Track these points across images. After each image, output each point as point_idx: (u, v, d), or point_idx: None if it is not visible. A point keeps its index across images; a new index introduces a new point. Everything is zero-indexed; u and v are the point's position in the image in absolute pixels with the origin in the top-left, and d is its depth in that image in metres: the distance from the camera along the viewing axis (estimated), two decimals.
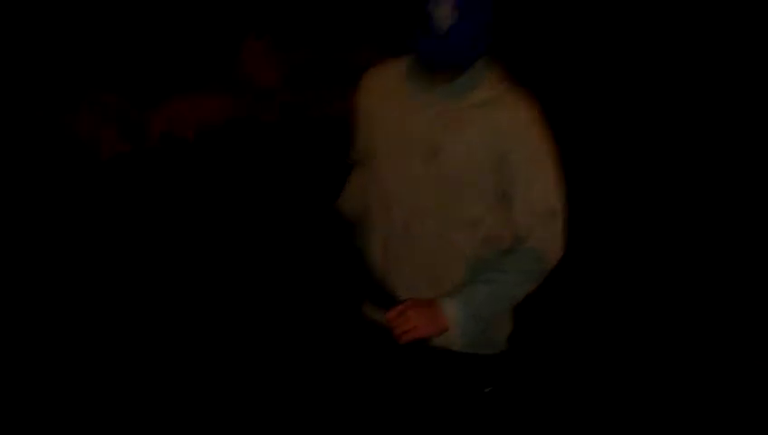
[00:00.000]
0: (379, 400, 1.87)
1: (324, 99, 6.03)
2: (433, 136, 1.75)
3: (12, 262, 3.98)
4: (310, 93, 6.23)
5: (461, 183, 1.74)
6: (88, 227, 4.52)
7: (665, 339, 3.63)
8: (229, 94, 6.04)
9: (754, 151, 5.62)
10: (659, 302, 4.01)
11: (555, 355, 3.43)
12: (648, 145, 5.88)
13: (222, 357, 3.37)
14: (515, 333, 1.86)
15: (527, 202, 1.72)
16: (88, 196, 4.87)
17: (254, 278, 4.06)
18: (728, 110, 6.14)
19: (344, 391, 2.00)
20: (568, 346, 3.55)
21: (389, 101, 1.84)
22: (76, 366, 3.25)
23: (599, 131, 5.89)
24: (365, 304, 1.95)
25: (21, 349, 3.28)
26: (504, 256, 1.71)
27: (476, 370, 1.75)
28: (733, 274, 4.32)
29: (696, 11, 6.67)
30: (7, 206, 4.45)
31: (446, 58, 1.67)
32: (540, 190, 1.72)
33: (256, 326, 3.63)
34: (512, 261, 1.69)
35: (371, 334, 1.87)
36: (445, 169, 1.74)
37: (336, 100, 5.58)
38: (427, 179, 1.76)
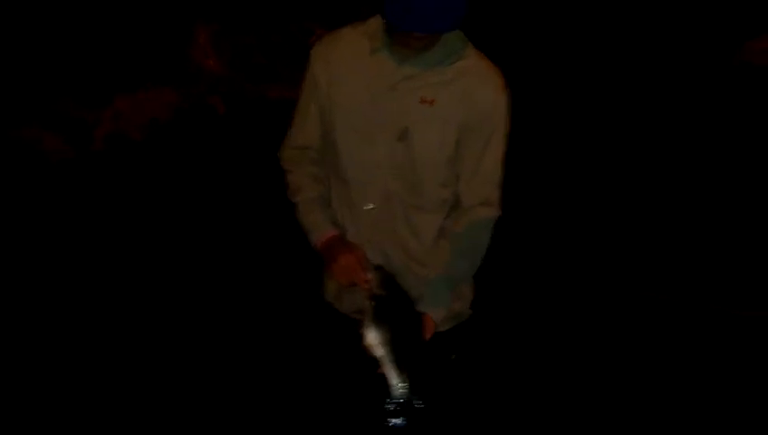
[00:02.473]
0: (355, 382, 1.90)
1: (278, 82, 5.87)
2: (404, 116, 1.67)
3: None
4: (262, 78, 6.07)
5: (431, 165, 1.69)
6: (39, 232, 4.37)
7: (622, 302, 3.70)
8: (177, 86, 5.85)
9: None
10: (621, 266, 4.10)
11: (512, 319, 3.48)
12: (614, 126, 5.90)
13: (193, 356, 3.26)
14: (475, 299, 1.93)
15: (489, 172, 1.74)
16: (38, 201, 4.71)
17: (219, 274, 3.97)
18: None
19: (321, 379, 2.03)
20: (527, 311, 3.62)
21: (354, 74, 1.71)
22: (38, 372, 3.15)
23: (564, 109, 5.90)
24: (326, 291, 1.94)
25: None
26: (468, 227, 1.74)
27: (443, 340, 1.80)
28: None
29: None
30: None
31: (423, 24, 1.56)
32: (498, 161, 1.75)
33: (220, 324, 3.51)
34: (478, 231, 1.74)
35: (335, 322, 1.91)
36: (414, 152, 1.68)
37: (291, 83, 5.42)
38: (395, 161, 1.69)
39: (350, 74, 1.71)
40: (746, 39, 7.06)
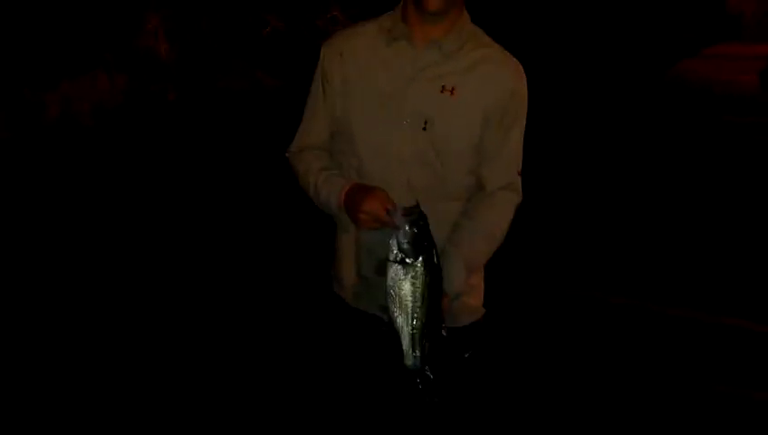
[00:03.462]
0: (370, 381, 1.81)
1: (229, 72, 5.85)
2: (426, 106, 1.65)
3: None
4: (214, 67, 6.03)
5: (456, 153, 1.67)
6: None
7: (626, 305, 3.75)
8: (127, 72, 5.78)
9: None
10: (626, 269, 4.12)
11: (525, 320, 3.49)
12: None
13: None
14: (488, 301, 1.87)
15: (512, 160, 1.73)
16: None
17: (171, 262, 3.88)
18: None
19: (332, 377, 1.92)
20: (538, 311, 3.63)
21: (370, 67, 1.68)
22: None
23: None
24: (336, 285, 1.84)
25: None
26: (490, 209, 1.71)
27: (457, 338, 1.71)
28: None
29: None
30: None
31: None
32: (520, 146, 1.74)
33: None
34: (499, 215, 1.72)
35: (347, 318, 1.82)
36: (437, 142, 1.66)
37: (240, 71, 5.42)
38: (417, 153, 1.66)
39: (368, 67, 1.69)
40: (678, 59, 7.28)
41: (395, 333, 1.55)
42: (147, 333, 3.24)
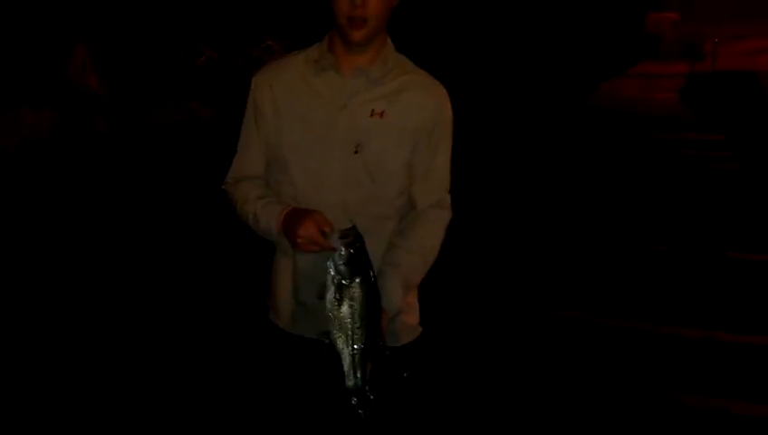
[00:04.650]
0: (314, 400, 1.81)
1: (163, 105, 5.76)
2: (356, 130, 1.71)
3: None
4: (146, 99, 5.93)
5: (386, 175, 1.74)
6: None
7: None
8: (55, 105, 5.63)
9: None
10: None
11: (463, 337, 3.55)
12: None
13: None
14: (424, 319, 1.91)
15: (441, 179, 1.81)
16: None
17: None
18: None
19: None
20: (474, 327, 3.69)
21: (301, 96, 1.74)
22: None
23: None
24: (272, 312, 1.85)
25: None
26: (422, 226, 1.77)
27: (396, 357, 1.73)
28: None
29: None
30: None
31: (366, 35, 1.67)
32: (448, 165, 1.82)
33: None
34: (431, 230, 1.79)
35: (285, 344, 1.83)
36: (370, 164, 1.72)
37: (174, 103, 5.34)
38: (350, 176, 1.72)
39: (298, 97, 1.74)
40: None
41: (336, 356, 1.55)
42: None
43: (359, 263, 1.52)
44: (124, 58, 6.00)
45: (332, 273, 1.52)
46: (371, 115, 1.72)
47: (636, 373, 3.32)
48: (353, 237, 1.51)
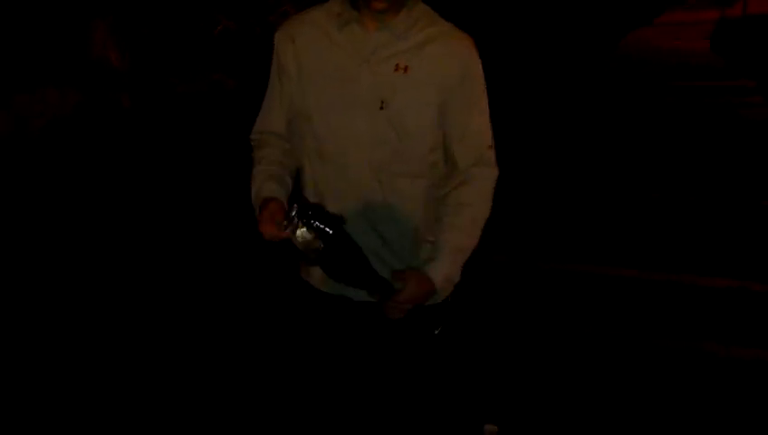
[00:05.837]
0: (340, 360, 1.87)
1: (186, 76, 5.76)
2: (380, 86, 1.67)
3: None
4: (168, 72, 5.93)
5: (413, 132, 1.70)
6: None
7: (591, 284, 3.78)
8: (78, 83, 5.65)
9: None
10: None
11: (491, 293, 3.56)
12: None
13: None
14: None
15: (479, 135, 1.75)
16: None
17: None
18: None
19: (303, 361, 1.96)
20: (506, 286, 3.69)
21: (323, 51, 1.70)
22: None
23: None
24: (303, 269, 1.88)
25: None
26: (462, 189, 1.74)
27: (428, 316, 1.77)
28: None
29: None
30: None
31: None
32: (486, 119, 1.76)
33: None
34: (479, 201, 1.75)
35: (316, 302, 1.86)
36: (395, 120, 1.68)
37: (197, 74, 5.34)
38: (376, 133, 1.69)
39: (321, 52, 1.70)
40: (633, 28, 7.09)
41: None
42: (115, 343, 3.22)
43: (317, 241, 1.56)
44: (141, 30, 5.97)
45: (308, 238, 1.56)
46: (396, 70, 1.67)
47: (671, 325, 3.30)
48: (298, 209, 1.54)
